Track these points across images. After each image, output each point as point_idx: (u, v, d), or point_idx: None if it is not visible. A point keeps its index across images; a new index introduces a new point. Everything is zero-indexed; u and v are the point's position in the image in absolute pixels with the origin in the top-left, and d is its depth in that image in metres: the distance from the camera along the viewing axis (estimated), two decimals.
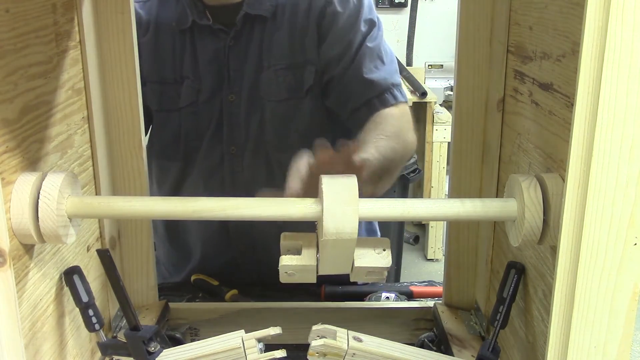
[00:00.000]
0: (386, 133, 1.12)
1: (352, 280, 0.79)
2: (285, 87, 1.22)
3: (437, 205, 0.74)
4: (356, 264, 0.75)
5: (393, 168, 1.12)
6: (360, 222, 0.70)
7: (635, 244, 0.59)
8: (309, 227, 0.78)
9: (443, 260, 1.45)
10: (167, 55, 1.25)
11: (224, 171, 1.28)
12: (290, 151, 1.28)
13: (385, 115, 1.18)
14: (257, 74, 1.23)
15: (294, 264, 0.75)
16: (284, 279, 0.77)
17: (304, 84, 1.22)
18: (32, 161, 0.73)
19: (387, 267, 0.76)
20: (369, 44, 1.22)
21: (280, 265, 0.75)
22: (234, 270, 1.34)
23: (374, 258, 0.76)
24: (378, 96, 1.20)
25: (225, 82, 1.24)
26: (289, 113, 1.24)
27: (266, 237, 1.30)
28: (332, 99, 1.24)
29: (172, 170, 1.32)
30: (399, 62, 4.18)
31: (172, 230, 1.40)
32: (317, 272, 0.76)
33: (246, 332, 0.80)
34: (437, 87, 3.68)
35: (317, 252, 0.75)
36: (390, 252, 0.76)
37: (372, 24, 1.23)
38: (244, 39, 1.22)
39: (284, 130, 1.25)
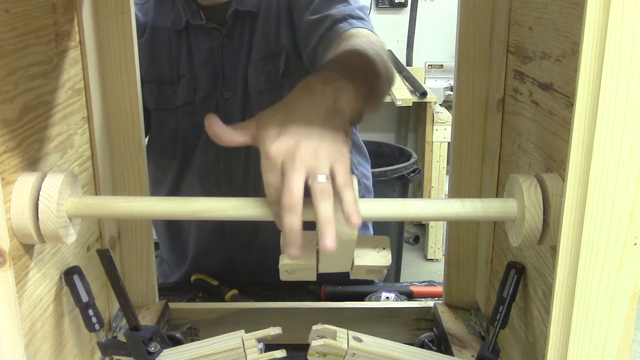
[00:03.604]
0: (360, 44, 0.93)
1: (352, 277, 0.79)
2: (264, 78, 1.22)
3: (437, 205, 0.74)
4: (356, 263, 0.75)
5: (376, 77, 0.88)
6: None
7: (635, 244, 0.59)
8: (307, 226, 0.78)
9: (443, 260, 1.45)
10: (164, 56, 1.26)
11: (220, 169, 1.28)
12: None
13: (352, 34, 1.01)
14: (245, 70, 1.23)
15: (294, 263, 0.75)
16: (284, 277, 0.76)
17: (279, 70, 1.21)
18: (32, 161, 0.73)
19: (387, 266, 0.76)
20: None
21: (280, 263, 0.75)
22: (229, 269, 1.34)
23: (374, 257, 0.76)
24: (331, 27, 1.05)
25: (220, 80, 1.24)
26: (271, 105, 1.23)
27: (263, 235, 1.30)
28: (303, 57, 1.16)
29: (170, 170, 1.32)
30: (399, 62, 4.14)
31: (172, 229, 1.40)
32: (317, 271, 0.76)
33: (246, 332, 0.80)
34: (437, 87, 3.68)
35: (317, 250, 0.75)
36: (390, 250, 0.76)
37: None
38: (237, 36, 1.23)
39: None
